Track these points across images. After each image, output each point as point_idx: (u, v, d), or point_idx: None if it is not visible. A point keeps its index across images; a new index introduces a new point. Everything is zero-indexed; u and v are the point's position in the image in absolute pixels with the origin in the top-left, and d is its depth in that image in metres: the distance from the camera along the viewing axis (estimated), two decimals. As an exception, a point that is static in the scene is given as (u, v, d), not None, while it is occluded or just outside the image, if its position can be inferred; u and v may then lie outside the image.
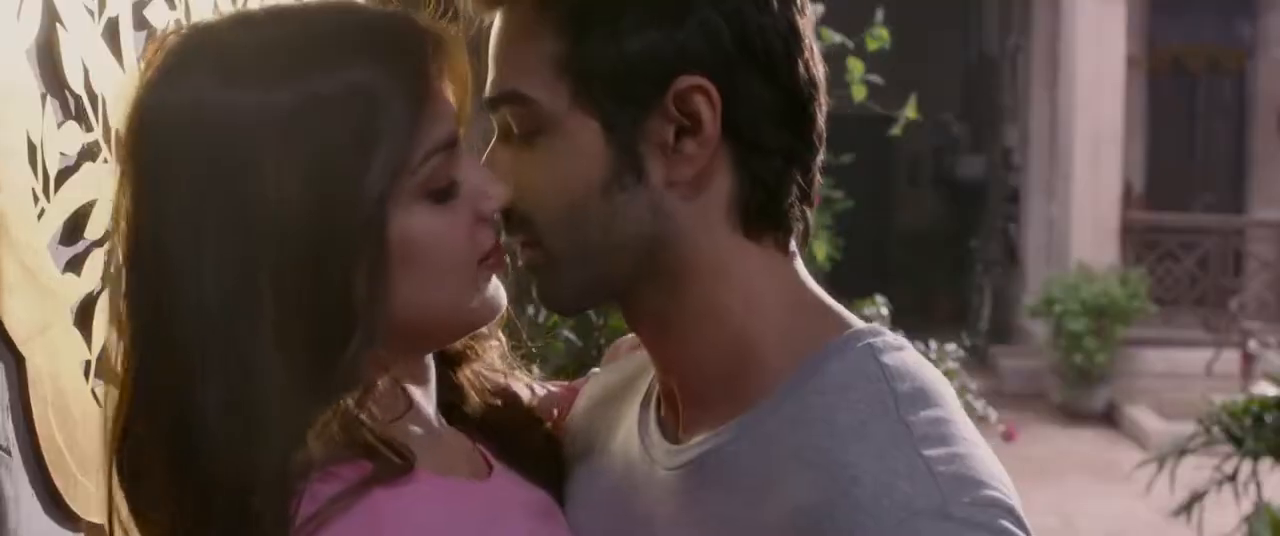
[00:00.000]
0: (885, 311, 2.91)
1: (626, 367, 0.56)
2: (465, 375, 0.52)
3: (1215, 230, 5.98)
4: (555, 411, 0.56)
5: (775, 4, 0.45)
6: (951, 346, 3.10)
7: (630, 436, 0.51)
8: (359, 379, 0.42)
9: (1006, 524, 0.40)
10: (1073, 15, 5.84)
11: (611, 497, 0.49)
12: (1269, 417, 2.31)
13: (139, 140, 0.43)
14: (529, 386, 0.56)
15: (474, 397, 0.52)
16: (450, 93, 0.46)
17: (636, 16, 0.43)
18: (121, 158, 0.43)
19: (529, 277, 0.49)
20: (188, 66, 0.43)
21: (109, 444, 0.42)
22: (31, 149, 0.55)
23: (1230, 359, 5.10)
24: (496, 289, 0.48)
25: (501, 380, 0.54)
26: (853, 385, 0.44)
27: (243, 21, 0.44)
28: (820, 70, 0.47)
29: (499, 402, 0.53)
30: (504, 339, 0.54)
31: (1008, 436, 4.01)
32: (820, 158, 0.48)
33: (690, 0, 0.43)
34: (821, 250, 3.51)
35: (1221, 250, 5.86)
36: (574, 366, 1.62)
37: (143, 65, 0.44)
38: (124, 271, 0.42)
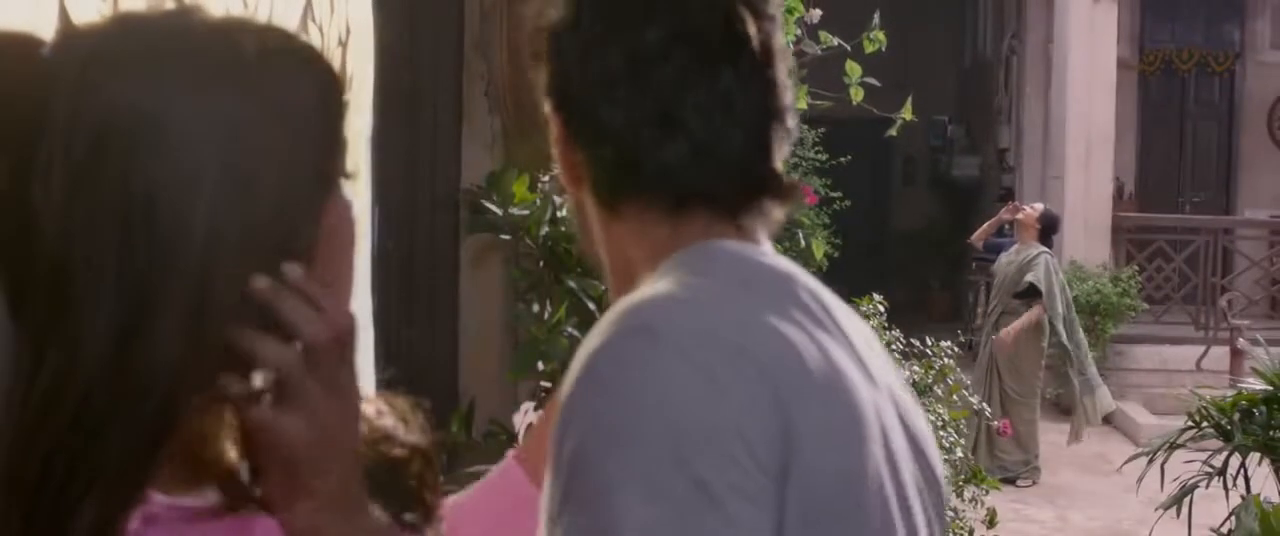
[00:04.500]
0: (882, 309, 2.95)
1: None
2: None
3: (1205, 229, 6.04)
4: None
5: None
6: (947, 343, 3.14)
7: None
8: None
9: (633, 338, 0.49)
10: (1066, 19, 5.89)
11: None
12: (1257, 412, 2.34)
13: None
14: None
15: None
16: None
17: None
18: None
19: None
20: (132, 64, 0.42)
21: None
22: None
23: (1219, 355, 5.15)
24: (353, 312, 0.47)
25: None
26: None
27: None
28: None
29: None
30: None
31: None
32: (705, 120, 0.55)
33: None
34: (819, 248, 3.54)
35: (1211, 249, 5.91)
36: (578, 363, 1.64)
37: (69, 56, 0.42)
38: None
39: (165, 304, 0.40)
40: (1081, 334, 4.19)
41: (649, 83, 0.54)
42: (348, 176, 0.46)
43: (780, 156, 0.56)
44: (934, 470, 0.57)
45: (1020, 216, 4.27)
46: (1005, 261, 4.24)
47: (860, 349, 0.55)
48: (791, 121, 0.57)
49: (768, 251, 0.56)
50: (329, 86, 0.45)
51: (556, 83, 0.57)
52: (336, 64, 0.46)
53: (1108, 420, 5.23)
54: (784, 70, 0.57)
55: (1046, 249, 4.15)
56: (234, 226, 0.41)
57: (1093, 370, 4.11)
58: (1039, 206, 4.37)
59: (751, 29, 0.55)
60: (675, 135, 0.54)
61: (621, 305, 0.51)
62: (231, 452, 0.44)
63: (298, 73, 0.44)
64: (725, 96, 0.54)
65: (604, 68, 0.54)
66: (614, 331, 0.50)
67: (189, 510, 0.42)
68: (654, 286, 0.52)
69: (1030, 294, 4.05)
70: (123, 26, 0.43)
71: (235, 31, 0.44)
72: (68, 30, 0.43)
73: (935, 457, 0.57)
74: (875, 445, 0.52)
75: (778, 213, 0.57)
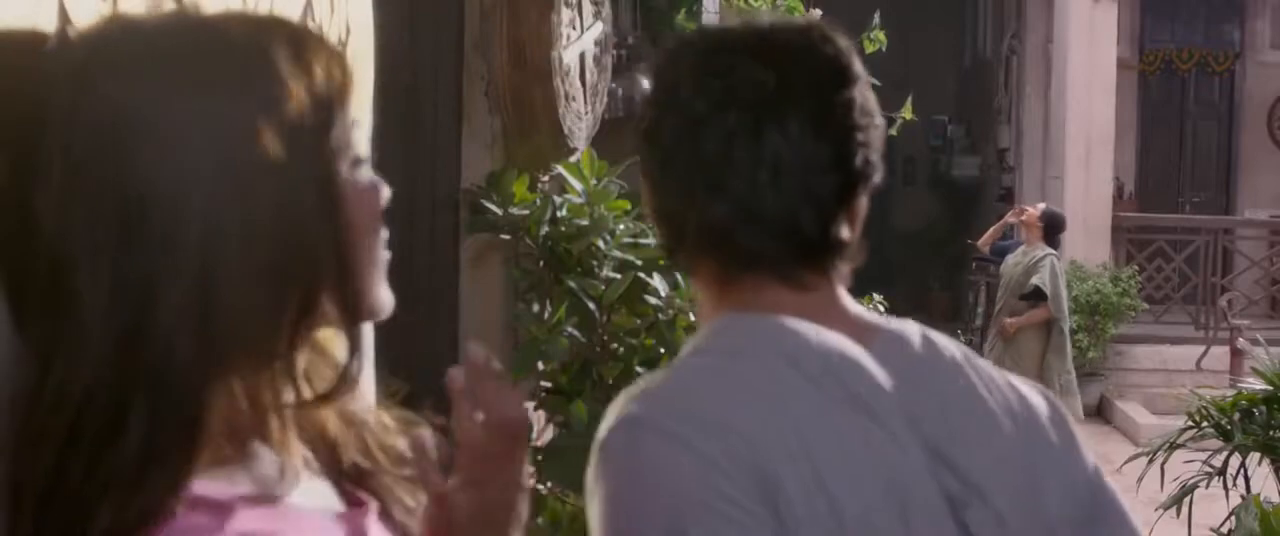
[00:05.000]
0: (883, 309, 2.95)
1: None
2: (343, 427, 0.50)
3: (1204, 229, 6.04)
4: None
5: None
6: (946, 344, 3.14)
7: None
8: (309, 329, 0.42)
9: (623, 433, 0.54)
10: (1066, 19, 5.89)
11: None
12: (1257, 412, 2.34)
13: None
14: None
15: (331, 418, 0.50)
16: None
17: None
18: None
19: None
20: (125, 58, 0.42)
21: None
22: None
23: (1219, 355, 5.15)
24: (388, 291, 0.48)
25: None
26: None
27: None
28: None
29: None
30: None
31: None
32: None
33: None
34: (818, 249, 3.54)
35: (1211, 249, 5.91)
36: (577, 363, 1.65)
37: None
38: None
39: (168, 303, 0.40)
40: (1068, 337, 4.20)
41: (697, 147, 0.57)
42: (358, 163, 0.46)
43: (852, 217, 0.59)
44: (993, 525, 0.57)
45: (1023, 218, 4.27)
46: (1011, 262, 4.23)
47: (899, 425, 0.56)
48: (876, 176, 0.59)
49: (815, 327, 0.57)
50: (328, 75, 0.44)
51: (639, 147, 0.61)
52: (334, 50, 0.46)
53: (1108, 419, 5.23)
54: (868, 127, 0.58)
55: (1052, 250, 4.14)
56: (233, 223, 0.41)
57: (1073, 374, 4.12)
58: (1041, 206, 4.37)
59: (805, 91, 0.57)
60: (719, 198, 0.56)
61: (623, 393, 0.56)
62: (277, 437, 0.44)
63: (294, 65, 0.43)
64: (773, 158, 0.56)
65: (661, 134, 0.58)
66: (608, 424, 0.55)
67: (229, 497, 0.41)
68: (658, 371, 0.59)
69: (1035, 297, 4.05)
70: (120, 26, 0.43)
71: (232, 27, 0.44)
72: (67, 30, 0.43)
73: (999, 507, 0.57)
74: (880, 512, 0.54)
75: (844, 269, 0.59)
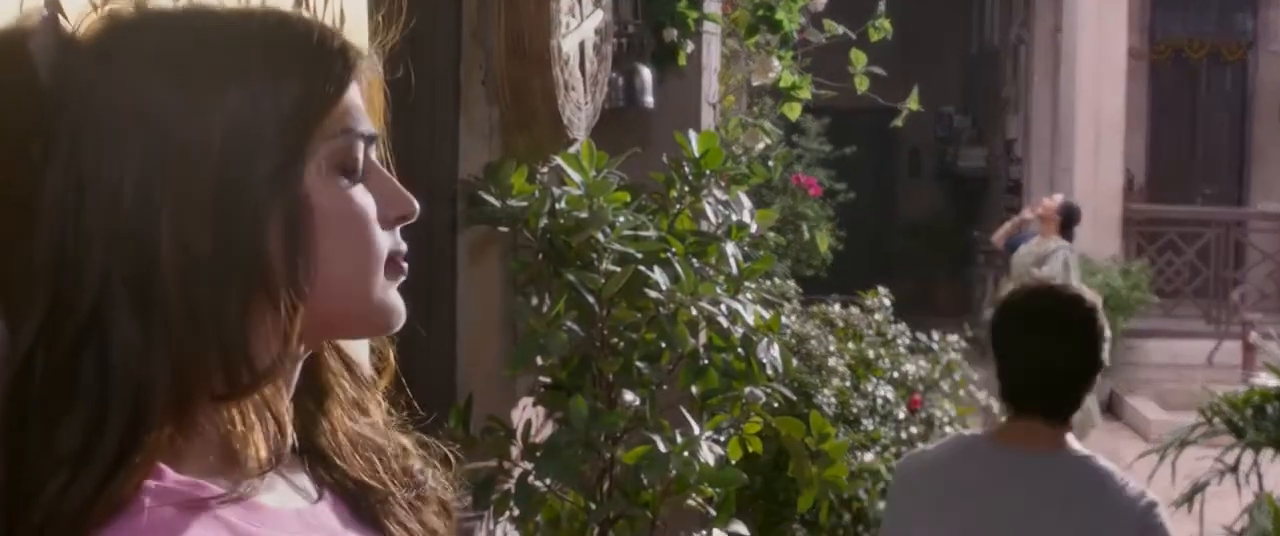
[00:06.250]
0: (888, 303, 2.92)
1: None
2: (334, 413, 0.50)
3: (1216, 221, 5.98)
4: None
5: None
6: (954, 337, 3.10)
7: None
8: (254, 369, 0.43)
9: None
10: (1074, 7, 5.82)
11: None
12: (1270, 408, 2.31)
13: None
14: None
15: (338, 438, 0.50)
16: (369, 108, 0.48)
17: None
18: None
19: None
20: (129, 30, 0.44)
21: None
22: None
23: (1231, 350, 5.10)
24: (398, 299, 0.48)
25: (377, 438, 0.51)
26: None
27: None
28: None
29: (362, 455, 0.50)
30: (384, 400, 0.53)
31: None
32: None
33: None
34: (824, 241, 3.51)
35: (1222, 241, 5.86)
36: (576, 358, 1.62)
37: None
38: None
39: (110, 277, 0.41)
40: None
41: (998, 344, 1.21)
42: (351, 171, 0.45)
43: (1066, 395, 1.20)
44: None
45: (1040, 211, 4.22)
46: (1024, 253, 4.19)
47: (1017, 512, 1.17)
48: (1096, 373, 1.20)
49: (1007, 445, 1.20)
50: (321, 79, 0.45)
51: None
52: (335, 42, 0.46)
53: (1118, 415, 5.19)
54: (1099, 344, 1.17)
55: (1066, 243, 4.10)
56: (172, 207, 0.42)
57: None
58: (1058, 197, 4.32)
59: (1076, 315, 1.15)
60: (1004, 375, 1.20)
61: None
62: (260, 448, 0.44)
63: (281, 64, 0.44)
64: (1041, 353, 1.19)
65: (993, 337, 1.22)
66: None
67: (204, 491, 0.42)
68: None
69: None
70: (116, 16, 0.44)
71: (229, 19, 0.45)
72: (50, 25, 0.44)
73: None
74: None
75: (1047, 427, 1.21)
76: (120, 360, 0.40)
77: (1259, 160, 6.78)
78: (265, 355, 0.43)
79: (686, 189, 1.40)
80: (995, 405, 2.98)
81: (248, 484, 0.42)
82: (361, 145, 0.46)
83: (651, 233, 1.45)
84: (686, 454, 1.25)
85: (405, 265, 0.48)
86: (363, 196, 0.46)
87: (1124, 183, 6.11)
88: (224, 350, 0.42)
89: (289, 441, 0.45)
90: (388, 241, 0.47)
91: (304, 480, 0.48)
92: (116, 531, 0.39)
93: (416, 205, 0.48)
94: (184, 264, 0.41)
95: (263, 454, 0.43)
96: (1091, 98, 5.80)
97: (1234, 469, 2.31)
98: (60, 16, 0.43)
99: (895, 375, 2.72)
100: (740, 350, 1.34)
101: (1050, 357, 1.13)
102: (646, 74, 1.95)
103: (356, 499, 0.49)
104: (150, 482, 0.40)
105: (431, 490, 0.51)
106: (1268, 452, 2.30)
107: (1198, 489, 2.33)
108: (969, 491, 1.13)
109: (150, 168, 0.41)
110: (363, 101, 0.47)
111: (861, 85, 2.12)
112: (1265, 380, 2.42)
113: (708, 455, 1.26)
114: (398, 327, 0.48)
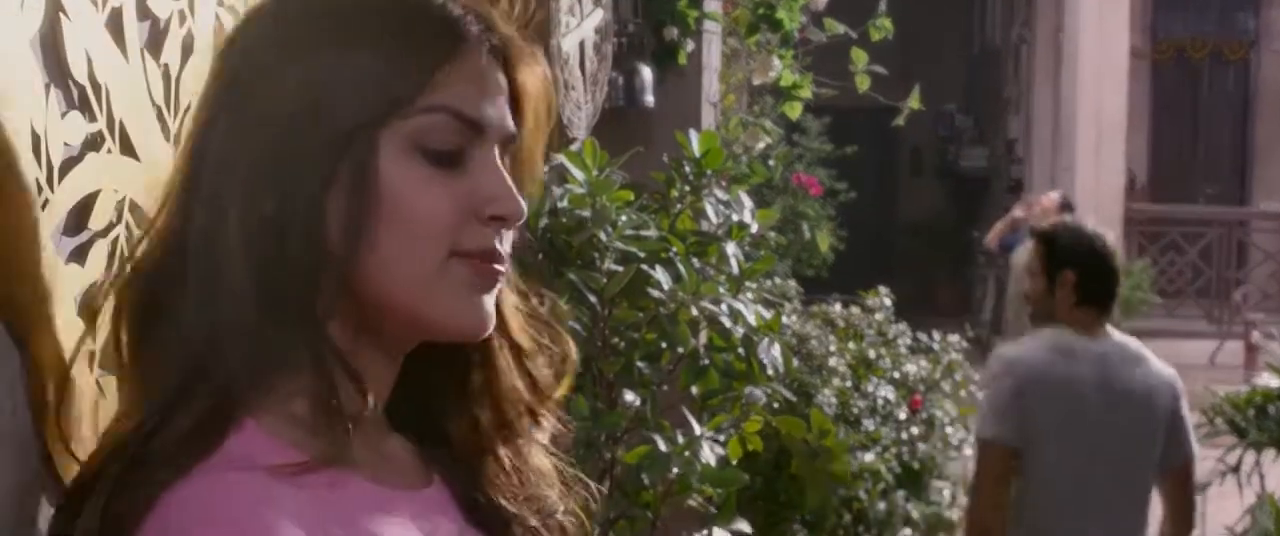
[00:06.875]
0: (889, 303, 2.91)
1: None
2: (505, 455, 0.48)
3: (1218, 221, 5.97)
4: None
5: None
6: (955, 337, 3.09)
7: None
8: (321, 332, 0.42)
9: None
10: (1076, 6, 5.81)
11: None
12: (1272, 409, 2.31)
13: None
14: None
15: (477, 446, 0.48)
16: (503, 93, 0.45)
17: None
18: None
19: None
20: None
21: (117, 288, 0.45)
22: (35, 139, 0.54)
23: (1233, 350, 5.09)
24: (480, 307, 0.45)
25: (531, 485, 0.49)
26: None
27: None
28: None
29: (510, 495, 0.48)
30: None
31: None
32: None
33: None
34: (824, 241, 3.50)
35: (1225, 241, 5.85)
36: (580, 359, 1.61)
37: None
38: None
39: (199, 249, 0.43)
40: None
41: (1067, 262, 1.65)
42: (452, 160, 0.44)
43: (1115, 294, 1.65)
44: (1139, 408, 1.62)
45: (1036, 209, 4.21)
46: (1022, 252, 4.17)
47: (1104, 371, 1.62)
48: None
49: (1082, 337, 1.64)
50: (404, 37, 0.43)
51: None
52: (443, 13, 0.44)
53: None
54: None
55: None
56: (252, 158, 0.43)
57: None
58: (1055, 195, 4.31)
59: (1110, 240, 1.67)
60: (1074, 286, 1.65)
61: None
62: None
63: (401, 43, 0.43)
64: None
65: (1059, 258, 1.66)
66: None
67: (281, 455, 0.41)
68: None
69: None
70: None
71: None
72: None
73: (1146, 399, 1.63)
74: (1077, 413, 1.59)
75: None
76: (194, 314, 0.42)
77: (1261, 160, 6.76)
78: (341, 333, 0.42)
79: (687, 189, 1.40)
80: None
81: (328, 454, 0.41)
82: (458, 127, 0.43)
83: (652, 232, 1.45)
84: (687, 454, 1.25)
85: (499, 268, 0.44)
86: (444, 181, 0.43)
87: (1126, 182, 6.10)
88: (295, 321, 0.42)
89: (369, 420, 0.43)
90: (468, 236, 0.44)
91: (414, 464, 0.47)
92: (191, 483, 0.39)
93: (521, 207, 0.44)
94: (250, 223, 0.42)
95: (345, 429, 0.42)
96: (1093, 97, 5.79)
97: (1236, 469, 2.31)
98: None
99: (896, 375, 2.72)
100: (741, 350, 1.33)
101: (1112, 268, 1.67)
102: (647, 73, 1.95)
103: (480, 508, 0.47)
104: (232, 439, 0.40)
105: (556, 523, 0.49)
106: (1270, 453, 2.30)
107: (1199, 489, 2.32)
108: (1075, 368, 1.62)
109: (232, 123, 0.43)
110: (488, 84, 0.44)
111: (862, 84, 2.11)
112: (1268, 380, 2.41)
113: (709, 455, 1.26)
114: (478, 336, 0.45)
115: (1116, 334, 1.70)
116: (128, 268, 0.45)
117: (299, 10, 0.44)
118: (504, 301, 0.48)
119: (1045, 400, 1.58)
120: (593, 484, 0.52)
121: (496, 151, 0.45)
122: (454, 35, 0.44)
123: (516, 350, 0.48)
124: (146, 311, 0.43)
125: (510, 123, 0.45)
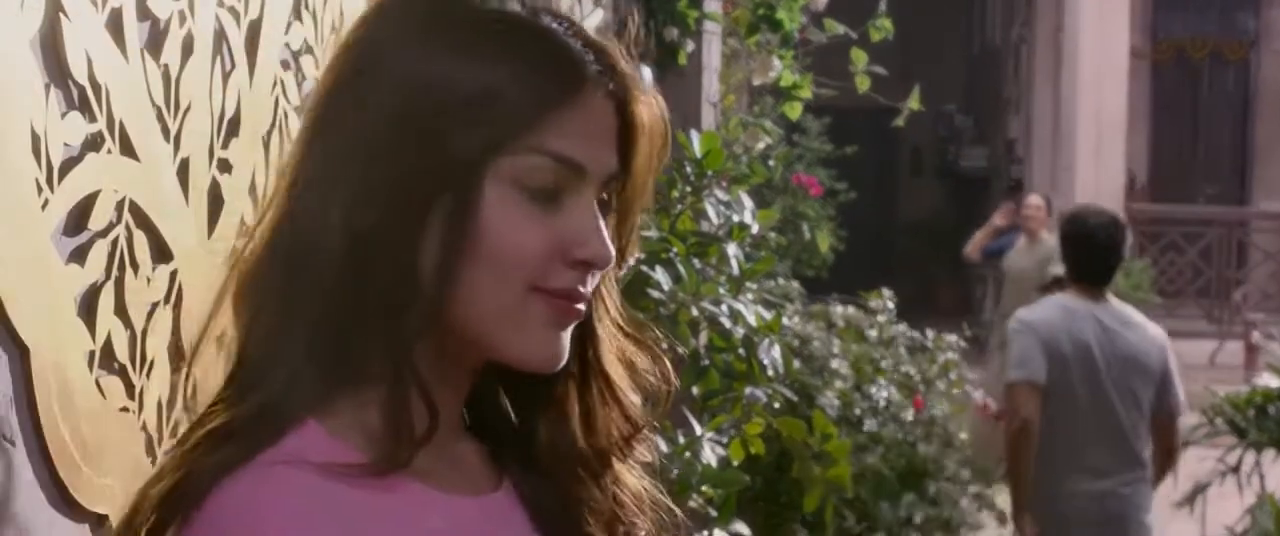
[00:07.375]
0: (890, 303, 2.90)
1: None
2: (597, 472, 0.48)
3: (1219, 221, 5.97)
4: None
5: None
6: (952, 337, 3.09)
7: None
8: (407, 353, 0.43)
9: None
10: (1076, 7, 5.81)
11: None
12: (1272, 409, 2.30)
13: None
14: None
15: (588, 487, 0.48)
16: (612, 134, 0.46)
17: None
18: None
19: None
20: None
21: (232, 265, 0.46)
22: (35, 139, 0.54)
23: (1233, 350, 5.09)
24: (554, 342, 0.45)
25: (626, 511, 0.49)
26: None
27: None
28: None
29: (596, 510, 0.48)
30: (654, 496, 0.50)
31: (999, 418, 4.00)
32: None
33: None
34: (824, 241, 3.50)
35: (1225, 241, 5.85)
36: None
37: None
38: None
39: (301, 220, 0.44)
40: None
41: (1076, 242, 2.10)
42: (554, 198, 0.44)
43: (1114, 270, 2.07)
44: (1133, 362, 2.01)
45: (1026, 211, 4.20)
46: (1018, 257, 4.17)
47: (1104, 331, 2.03)
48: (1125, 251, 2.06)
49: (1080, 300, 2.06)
50: (520, 78, 0.43)
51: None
52: (562, 56, 0.44)
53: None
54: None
55: None
56: (358, 175, 0.43)
57: None
58: (1036, 197, 4.31)
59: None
60: (1079, 262, 2.09)
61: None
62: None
63: (530, 72, 0.43)
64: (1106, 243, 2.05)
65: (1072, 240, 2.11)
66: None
67: (343, 456, 0.42)
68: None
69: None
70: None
71: (527, 20, 0.45)
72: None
73: (1139, 356, 2.02)
74: (1084, 358, 2.01)
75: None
76: (277, 315, 0.43)
77: (1261, 159, 6.76)
78: (424, 354, 0.43)
79: (688, 189, 1.39)
80: (993, 403, 2.99)
81: (385, 460, 0.42)
82: (561, 170, 0.43)
83: (653, 232, 1.44)
84: (688, 454, 1.25)
85: (580, 308, 0.45)
86: (539, 218, 0.43)
87: (1126, 182, 6.10)
88: (381, 335, 0.42)
89: (433, 434, 0.43)
90: (560, 278, 0.44)
91: (483, 468, 0.47)
92: (240, 475, 0.40)
93: (609, 253, 0.45)
94: (350, 233, 0.42)
95: (411, 445, 0.42)
96: (1093, 97, 5.79)
97: (1236, 469, 2.31)
98: None
99: (897, 375, 2.71)
100: (741, 351, 1.33)
101: (1100, 247, 1.99)
102: (646, 74, 1.94)
103: (553, 518, 0.47)
104: (291, 436, 0.41)
105: None
106: (1270, 453, 2.29)
107: (1200, 489, 2.32)
108: (1078, 324, 1.99)
109: (344, 128, 0.43)
110: (598, 128, 0.44)
111: (862, 84, 2.11)
112: (1268, 380, 2.41)
113: (709, 456, 1.25)
114: (550, 370, 0.45)
115: (1115, 301, 2.08)
116: (241, 253, 0.45)
117: (424, 16, 0.44)
118: (599, 329, 0.48)
119: (1058, 347, 1.96)
120: (678, 510, 0.51)
121: (594, 191, 0.45)
122: (574, 77, 0.44)
123: (607, 379, 0.48)
124: (247, 300, 0.44)
125: (613, 164, 0.46)
